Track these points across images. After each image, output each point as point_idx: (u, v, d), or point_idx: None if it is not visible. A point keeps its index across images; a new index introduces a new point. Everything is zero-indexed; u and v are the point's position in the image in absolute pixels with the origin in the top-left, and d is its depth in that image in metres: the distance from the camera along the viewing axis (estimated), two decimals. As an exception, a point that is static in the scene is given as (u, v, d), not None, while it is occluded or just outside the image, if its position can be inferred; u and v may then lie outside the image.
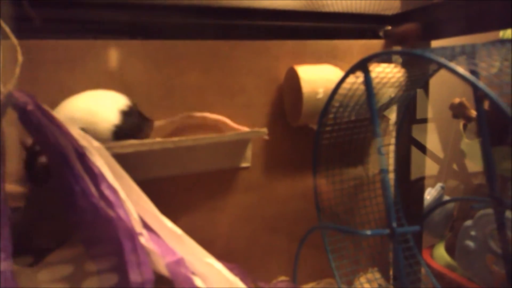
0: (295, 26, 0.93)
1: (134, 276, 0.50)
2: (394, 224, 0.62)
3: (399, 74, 0.79)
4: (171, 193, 0.85)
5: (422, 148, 1.06)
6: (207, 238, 0.88)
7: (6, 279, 0.42)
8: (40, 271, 0.64)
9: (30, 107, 0.47)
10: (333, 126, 0.81)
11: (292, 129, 0.91)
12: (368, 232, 0.64)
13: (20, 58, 0.49)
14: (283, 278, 0.91)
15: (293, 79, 0.82)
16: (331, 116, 0.79)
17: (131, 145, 0.64)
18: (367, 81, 0.64)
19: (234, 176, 0.89)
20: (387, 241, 1.01)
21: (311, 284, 0.97)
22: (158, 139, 0.69)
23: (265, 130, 0.81)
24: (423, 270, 0.98)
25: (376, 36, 0.99)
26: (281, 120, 0.91)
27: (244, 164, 0.89)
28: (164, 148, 0.70)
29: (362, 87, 0.69)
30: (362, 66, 0.65)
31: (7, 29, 0.49)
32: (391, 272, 1.04)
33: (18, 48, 0.49)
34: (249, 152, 0.89)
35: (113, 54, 0.76)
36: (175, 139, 0.69)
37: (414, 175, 1.05)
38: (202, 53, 0.83)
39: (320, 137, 0.83)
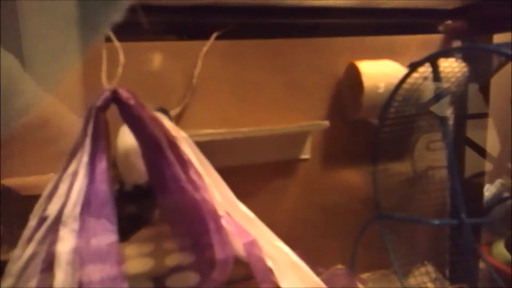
0: (354, 23, 0.96)
1: (219, 253, 0.56)
2: (463, 215, 0.64)
3: (462, 69, 0.80)
4: (234, 182, 0.91)
5: (476, 146, 1.04)
6: (267, 225, 0.94)
7: (115, 249, 0.49)
8: (126, 247, 0.72)
9: (132, 101, 0.54)
10: (393, 120, 0.84)
11: (351, 123, 0.94)
12: (436, 222, 0.66)
13: (122, 58, 0.56)
14: (339, 266, 0.94)
15: (354, 74, 0.86)
16: (392, 110, 0.81)
17: (207, 134, 0.70)
18: (435, 76, 0.67)
19: (294, 167, 0.94)
20: (444, 235, 1.02)
21: (366, 274, 1.00)
22: (230, 130, 0.75)
23: (326, 122, 0.85)
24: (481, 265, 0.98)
25: (436, 31, 1.00)
26: (339, 115, 0.94)
27: (303, 156, 0.94)
28: (232, 138, 0.76)
29: (426, 81, 0.71)
30: (431, 60, 0.67)
31: (110, 33, 0.56)
32: (446, 267, 1.05)
33: (120, 50, 0.56)
34: (308, 145, 0.93)
35: (187, 54, 0.82)
36: (245, 129, 0.75)
37: (472, 171, 1.05)
38: (264, 52, 0.89)
39: (379, 130, 0.86)
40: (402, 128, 0.89)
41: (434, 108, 0.93)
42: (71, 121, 0.65)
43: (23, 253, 0.49)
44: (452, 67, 0.76)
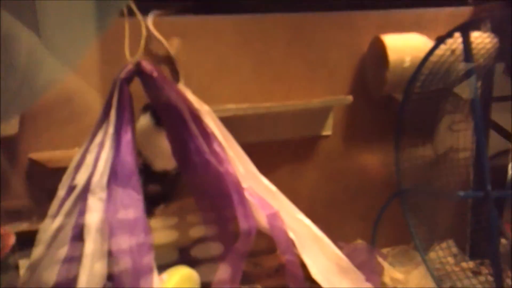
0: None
1: (242, 224, 0.57)
2: (489, 187, 0.62)
3: (493, 43, 0.77)
4: (255, 158, 0.91)
5: (499, 127, 1.01)
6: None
7: (142, 218, 0.51)
8: (152, 221, 0.74)
9: (155, 74, 0.54)
10: (418, 95, 0.82)
11: (374, 99, 0.92)
12: (461, 193, 0.65)
13: (144, 32, 0.56)
14: (360, 241, 0.95)
15: (379, 49, 0.84)
16: (418, 84, 0.79)
17: (230, 109, 0.70)
18: (465, 47, 0.64)
19: (315, 144, 0.93)
20: (465, 211, 1.01)
21: (386, 249, 1.00)
22: (252, 105, 0.75)
23: (349, 97, 0.84)
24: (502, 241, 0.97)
25: (465, 3, 0.96)
26: (363, 91, 0.92)
27: (325, 133, 0.93)
28: (254, 114, 0.76)
29: (455, 54, 0.69)
30: (462, 30, 0.64)
31: (133, 7, 0.56)
32: (467, 243, 1.04)
33: (143, 23, 0.56)
34: (330, 121, 0.92)
35: (211, 29, 0.81)
36: (267, 104, 0.75)
37: (496, 149, 1.03)
38: (287, 27, 0.87)
39: (404, 106, 0.84)
40: (427, 105, 0.87)
41: (461, 86, 0.91)
42: (93, 97, 0.66)
43: (52, 223, 0.51)
44: (482, 38, 0.73)
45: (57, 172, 0.60)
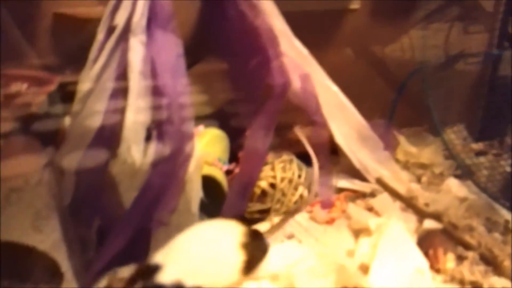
0: None
1: (277, 79, 0.57)
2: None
3: None
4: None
5: None
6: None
7: (182, 61, 0.51)
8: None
9: None
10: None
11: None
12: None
13: None
14: (378, 120, 0.97)
15: None
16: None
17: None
18: None
19: (341, 17, 0.90)
20: (480, 95, 1.02)
21: (401, 130, 1.03)
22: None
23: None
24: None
25: None
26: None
27: (352, 6, 0.89)
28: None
29: None
30: None
31: None
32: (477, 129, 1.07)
33: None
34: (359, -6, 0.88)
35: None
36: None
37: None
38: None
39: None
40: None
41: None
42: None
43: (94, 65, 0.51)
44: None
45: (84, 25, 0.59)
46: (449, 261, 0.55)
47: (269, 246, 0.51)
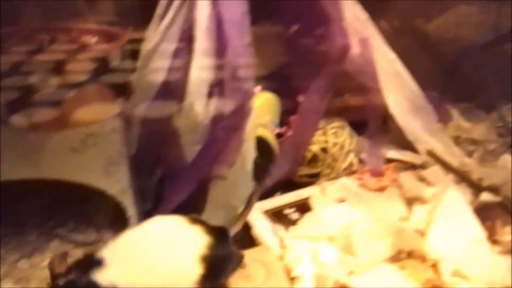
0: None
1: (338, 41, 0.56)
2: None
3: None
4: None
5: None
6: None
7: (247, 19, 0.50)
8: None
9: None
10: None
11: None
12: None
13: None
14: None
15: None
16: None
17: None
18: None
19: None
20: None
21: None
22: None
23: None
24: None
25: None
26: None
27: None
28: None
29: None
30: None
31: None
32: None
33: None
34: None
35: None
36: None
37: None
38: None
39: None
40: None
41: None
42: None
43: (161, 22, 0.52)
44: None
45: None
46: (506, 233, 0.54)
47: (242, 257, 0.45)
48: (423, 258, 0.47)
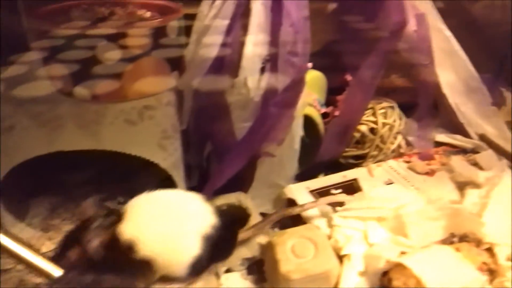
0: None
1: (395, 15, 0.54)
2: None
3: None
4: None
5: None
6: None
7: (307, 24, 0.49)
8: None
9: None
10: None
11: None
12: None
13: None
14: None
15: None
16: None
17: None
18: None
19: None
20: None
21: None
22: None
23: None
24: None
25: None
26: None
27: None
28: None
29: None
30: None
31: None
32: None
33: None
34: None
35: None
36: None
37: None
38: None
39: None
40: None
41: None
42: None
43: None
44: None
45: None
46: None
47: (231, 253, 0.44)
48: (478, 241, 0.46)
